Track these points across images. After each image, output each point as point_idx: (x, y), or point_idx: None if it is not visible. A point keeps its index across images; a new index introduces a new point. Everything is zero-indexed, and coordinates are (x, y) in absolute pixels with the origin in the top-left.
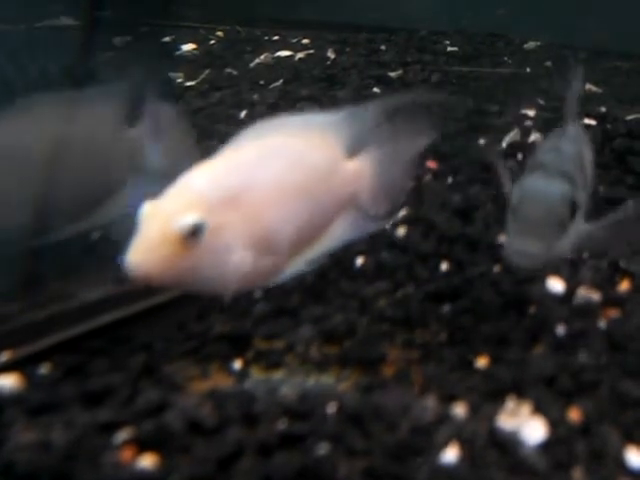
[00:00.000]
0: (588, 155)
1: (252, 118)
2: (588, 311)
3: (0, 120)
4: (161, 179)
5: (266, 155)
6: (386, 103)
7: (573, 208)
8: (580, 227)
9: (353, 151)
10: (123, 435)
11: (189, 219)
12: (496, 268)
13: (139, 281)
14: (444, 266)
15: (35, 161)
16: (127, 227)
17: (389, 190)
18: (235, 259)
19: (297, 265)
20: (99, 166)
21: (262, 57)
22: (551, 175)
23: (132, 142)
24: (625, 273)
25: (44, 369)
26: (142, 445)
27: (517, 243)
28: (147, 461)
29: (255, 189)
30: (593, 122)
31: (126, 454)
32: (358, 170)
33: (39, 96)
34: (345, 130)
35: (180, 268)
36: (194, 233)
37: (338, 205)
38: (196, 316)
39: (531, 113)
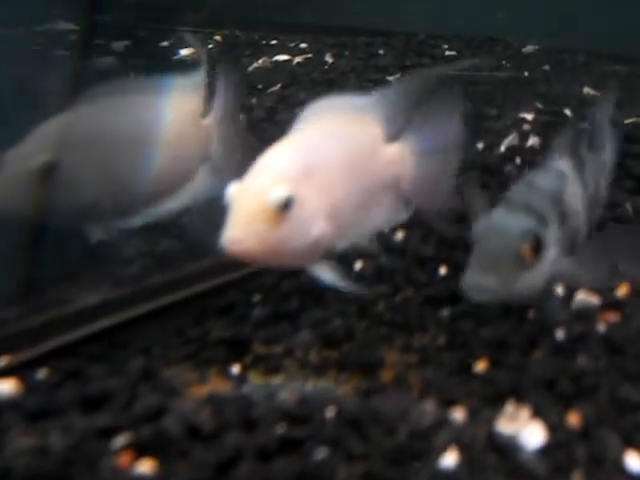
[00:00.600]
0: (578, 191)
1: (250, 122)
2: (587, 315)
3: (93, 104)
4: (225, 167)
5: (328, 136)
6: (414, 81)
7: (537, 244)
8: (553, 262)
9: (392, 134)
10: (121, 440)
11: (280, 192)
12: None
13: (239, 256)
14: (443, 270)
15: (128, 146)
16: (209, 211)
17: (433, 178)
18: (317, 229)
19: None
20: (183, 153)
21: (260, 61)
22: (514, 210)
23: (207, 131)
24: (624, 277)
25: (42, 374)
26: (140, 450)
27: (472, 277)
28: (145, 466)
29: (325, 166)
30: None
31: (124, 459)
32: (399, 154)
33: (123, 82)
34: (382, 112)
35: (274, 241)
36: (285, 206)
37: (381, 188)
38: (194, 320)
39: (529, 117)
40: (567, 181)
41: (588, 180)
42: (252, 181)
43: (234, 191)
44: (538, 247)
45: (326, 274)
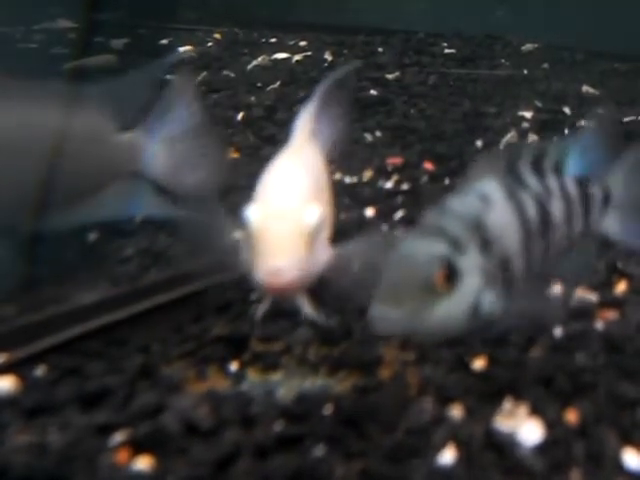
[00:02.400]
0: (510, 217)
1: (249, 120)
2: (585, 313)
3: None
4: (159, 186)
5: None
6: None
7: (450, 271)
8: (474, 292)
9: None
10: (119, 437)
11: (316, 213)
12: None
13: (282, 288)
14: None
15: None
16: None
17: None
18: (326, 249)
19: None
20: (74, 166)
21: (259, 59)
22: (425, 236)
23: (125, 146)
24: (622, 275)
25: (40, 371)
26: (138, 447)
27: (378, 309)
28: (143, 463)
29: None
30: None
31: (122, 456)
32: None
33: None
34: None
35: (309, 266)
36: (320, 227)
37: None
38: (193, 318)
39: (528, 115)
40: (492, 205)
41: (529, 205)
42: (278, 202)
43: (257, 214)
44: (451, 275)
45: (305, 305)
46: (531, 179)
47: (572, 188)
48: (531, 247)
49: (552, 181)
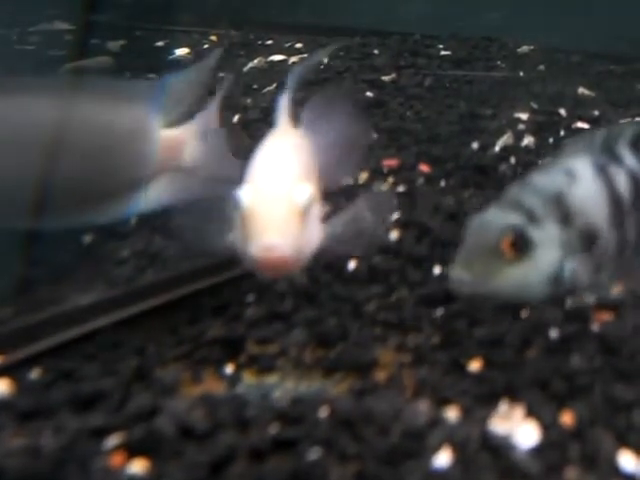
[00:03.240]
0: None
1: (245, 122)
2: (581, 314)
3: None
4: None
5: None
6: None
7: (519, 240)
8: (555, 263)
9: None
10: (114, 440)
11: (306, 191)
12: None
13: (275, 264)
14: (437, 270)
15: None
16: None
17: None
18: (317, 227)
19: None
20: (112, 160)
21: (255, 61)
22: (502, 207)
23: (170, 141)
24: None
25: (34, 374)
26: (133, 450)
27: (454, 272)
28: (138, 466)
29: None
30: (586, 125)
31: (116, 459)
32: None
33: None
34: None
35: (304, 245)
36: (310, 205)
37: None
38: (188, 320)
39: (524, 117)
40: (577, 180)
41: (622, 182)
42: (270, 182)
43: (249, 194)
44: (523, 244)
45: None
46: (628, 157)
47: None
48: (624, 222)
49: None
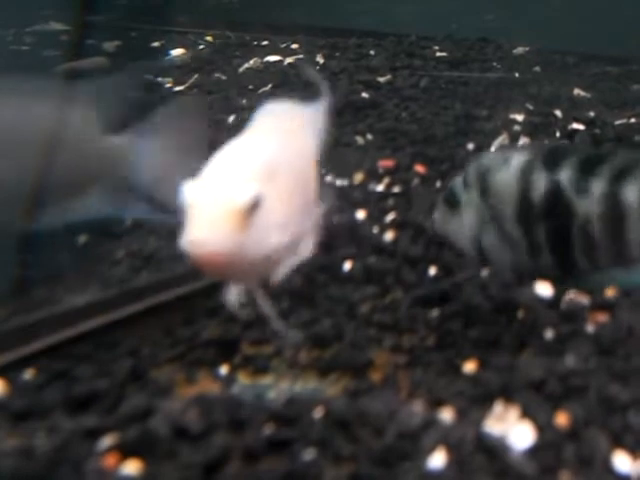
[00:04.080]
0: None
1: (241, 123)
2: (576, 315)
3: None
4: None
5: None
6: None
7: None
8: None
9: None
10: (108, 441)
11: (250, 191)
12: (484, 273)
13: (201, 260)
14: (432, 271)
15: None
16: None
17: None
18: (278, 235)
19: None
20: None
21: (251, 62)
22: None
23: (111, 150)
24: None
25: (28, 374)
26: (127, 451)
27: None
28: (132, 467)
29: (281, 165)
30: (582, 127)
31: (110, 460)
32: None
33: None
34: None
35: (241, 246)
36: (254, 207)
37: None
38: (183, 321)
39: (520, 118)
40: (507, 166)
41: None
42: (215, 179)
43: (192, 189)
44: (452, 199)
45: (266, 308)
46: (565, 172)
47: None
48: (532, 224)
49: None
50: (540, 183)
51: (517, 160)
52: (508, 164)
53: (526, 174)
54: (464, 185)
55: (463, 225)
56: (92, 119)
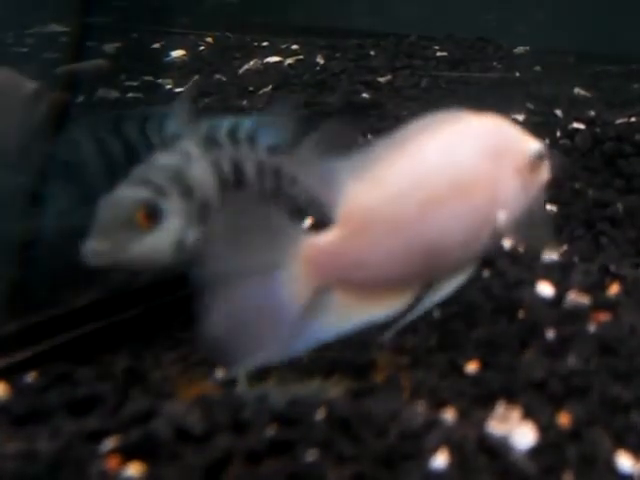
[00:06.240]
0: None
1: None
2: (578, 315)
3: None
4: None
5: None
6: None
7: (152, 212)
8: (177, 230)
9: None
10: (110, 443)
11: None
12: (486, 273)
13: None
14: None
15: None
16: None
17: None
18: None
19: None
20: None
21: (251, 63)
22: (132, 184)
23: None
24: (614, 277)
25: (30, 377)
26: (129, 453)
27: (89, 244)
28: (134, 470)
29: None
30: (582, 126)
31: (113, 463)
32: None
33: None
34: None
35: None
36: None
37: None
38: (184, 322)
39: (520, 117)
40: (192, 160)
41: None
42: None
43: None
44: (154, 214)
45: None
46: (227, 145)
47: (263, 155)
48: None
49: (244, 147)
50: (226, 160)
51: (193, 148)
52: (190, 156)
53: (214, 159)
54: (158, 196)
55: (166, 237)
56: None
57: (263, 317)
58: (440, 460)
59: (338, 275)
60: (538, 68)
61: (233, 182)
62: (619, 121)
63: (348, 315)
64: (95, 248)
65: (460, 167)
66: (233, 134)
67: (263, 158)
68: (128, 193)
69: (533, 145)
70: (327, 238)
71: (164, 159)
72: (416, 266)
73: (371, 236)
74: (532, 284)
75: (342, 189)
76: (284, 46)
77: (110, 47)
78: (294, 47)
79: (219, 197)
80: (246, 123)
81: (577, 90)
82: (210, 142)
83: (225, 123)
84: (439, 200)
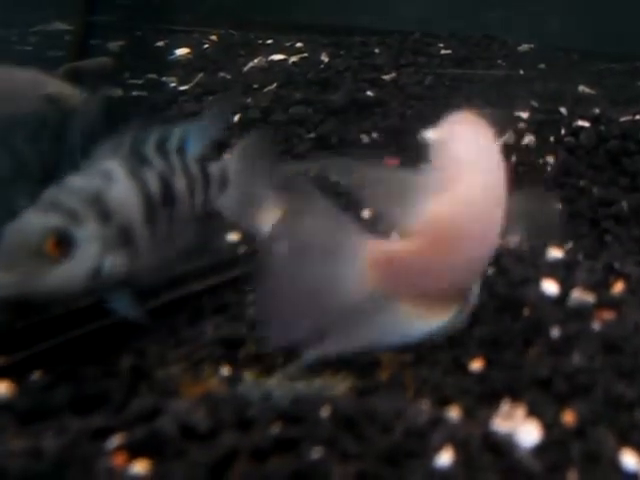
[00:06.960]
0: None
1: (245, 122)
2: (582, 313)
3: None
4: None
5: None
6: None
7: (63, 240)
8: (93, 258)
9: None
10: (116, 441)
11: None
12: (490, 271)
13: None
14: None
15: None
16: None
17: None
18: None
19: None
20: None
21: (256, 61)
22: (41, 209)
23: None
24: (619, 275)
25: (35, 375)
26: (135, 451)
27: None
28: (140, 467)
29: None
30: (587, 124)
31: (119, 460)
32: None
33: None
34: None
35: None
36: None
37: None
38: (189, 320)
39: (525, 115)
40: (113, 181)
41: (151, 181)
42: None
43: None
44: (65, 242)
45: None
46: (155, 159)
47: (193, 167)
48: (154, 217)
49: (174, 160)
50: (154, 177)
51: (117, 168)
52: (111, 177)
53: (138, 177)
54: (70, 222)
55: (78, 267)
56: None
57: (327, 313)
58: (445, 458)
59: (406, 283)
60: (543, 66)
61: (161, 200)
62: (624, 119)
63: (410, 322)
64: (1, 280)
65: (501, 179)
66: (162, 146)
67: (194, 170)
68: (36, 219)
69: None
70: (398, 246)
71: (79, 181)
72: (473, 275)
73: (445, 247)
74: (536, 282)
75: (417, 202)
76: (288, 44)
77: (114, 45)
78: (298, 45)
79: (144, 218)
80: (176, 132)
81: (582, 88)
82: (135, 158)
83: (153, 135)
84: (494, 212)
